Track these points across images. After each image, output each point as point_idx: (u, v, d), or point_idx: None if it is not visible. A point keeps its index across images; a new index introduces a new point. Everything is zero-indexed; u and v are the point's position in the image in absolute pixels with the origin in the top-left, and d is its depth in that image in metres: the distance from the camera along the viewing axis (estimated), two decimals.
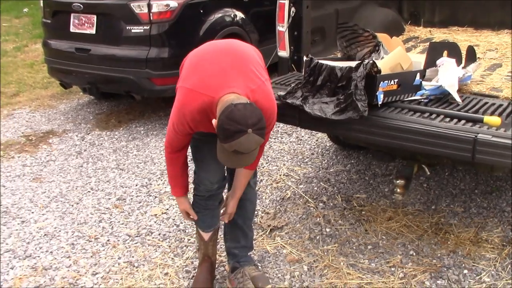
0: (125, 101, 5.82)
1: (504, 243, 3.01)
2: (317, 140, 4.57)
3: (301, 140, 4.60)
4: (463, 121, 2.37)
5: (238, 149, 1.99)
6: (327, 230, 3.23)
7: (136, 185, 3.91)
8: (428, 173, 2.95)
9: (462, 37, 4.03)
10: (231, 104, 1.99)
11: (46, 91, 6.41)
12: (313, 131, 4.69)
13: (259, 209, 3.43)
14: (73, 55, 4.98)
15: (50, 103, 5.98)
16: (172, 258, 3.00)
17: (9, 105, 5.90)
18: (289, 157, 4.27)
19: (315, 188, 3.74)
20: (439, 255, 2.94)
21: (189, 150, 2.51)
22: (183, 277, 2.83)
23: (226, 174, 2.62)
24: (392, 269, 2.85)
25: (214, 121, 2.05)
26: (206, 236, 2.72)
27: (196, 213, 2.63)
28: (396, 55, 2.64)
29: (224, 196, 2.69)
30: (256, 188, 2.88)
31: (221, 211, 2.67)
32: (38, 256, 3.06)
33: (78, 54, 4.95)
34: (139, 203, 3.65)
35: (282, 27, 3.18)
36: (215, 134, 2.09)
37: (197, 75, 2.17)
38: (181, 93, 2.19)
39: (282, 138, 4.64)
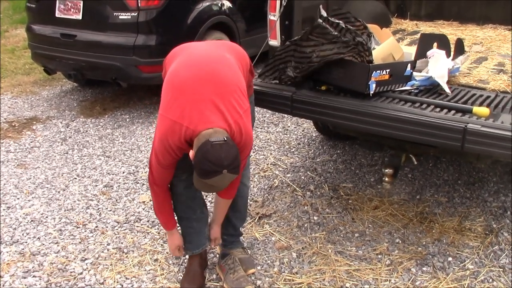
0: (109, 88, 5.77)
1: (487, 232, 3.09)
2: (303, 130, 4.60)
3: (287, 130, 4.63)
4: (453, 111, 2.43)
5: (214, 184, 2.09)
6: (315, 218, 3.27)
7: (123, 173, 3.90)
8: (415, 162, 3.01)
9: (448, 30, 4.09)
10: (207, 141, 2.03)
11: (28, 77, 6.32)
12: (300, 121, 4.73)
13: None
14: (58, 41, 4.92)
15: (32, 89, 5.89)
16: (162, 245, 3.01)
17: None
18: (276, 147, 4.30)
19: (302, 177, 3.78)
20: (424, 243, 3.01)
21: None
22: (173, 263, 2.84)
23: None
24: (379, 256, 2.90)
25: (191, 153, 2.11)
26: (195, 257, 2.72)
27: (182, 233, 2.67)
28: (388, 45, 2.68)
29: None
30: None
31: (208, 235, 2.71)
32: (26, 242, 3.04)
33: (63, 40, 4.88)
34: (127, 190, 3.64)
35: (273, 16, 3.19)
36: None
37: (177, 106, 2.15)
38: (163, 124, 2.18)
39: (268, 128, 4.66)
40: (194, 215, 2.60)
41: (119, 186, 3.70)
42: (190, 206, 2.58)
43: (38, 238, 3.08)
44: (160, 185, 2.41)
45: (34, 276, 2.73)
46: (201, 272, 2.70)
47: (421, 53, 2.76)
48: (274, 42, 3.28)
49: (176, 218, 2.59)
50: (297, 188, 3.62)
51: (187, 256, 2.88)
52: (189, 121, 2.10)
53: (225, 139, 2.05)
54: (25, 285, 2.66)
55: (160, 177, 2.36)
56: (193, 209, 2.59)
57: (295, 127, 4.67)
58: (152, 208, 3.34)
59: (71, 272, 2.77)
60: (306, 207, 3.38)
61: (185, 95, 2.15)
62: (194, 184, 2.17)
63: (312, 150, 4.22)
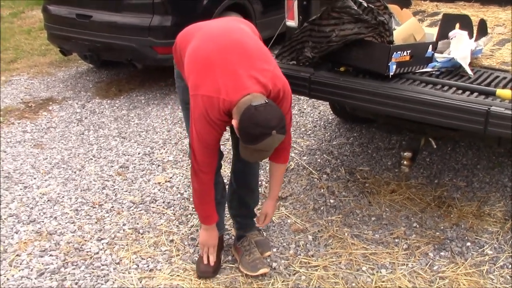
0: (125, 70, 5.76)
1: (507, 217, 3.04)
2: (319, 113, 4.55)
3: (303, 112, 4.59)
4: (475, 94, 2.37)
5: (263, 149, 2.05)
6: (331, 201, 3.24)
7: (139, 154, 3.90)
8: (435, 146, 2.96)
9: (469, 12, 3.98)
10: (250, 106, 2.00)
11: (44, 58, 6.33)
12: (316, 104, 4.68)
13: (263, 179, 3.43)
14: (74, 22, 4.90)
15: (48, 70, 5.90)
16: (177, 226, 3.01)
17: (7, 71, 5.82)
18: (292, 129, 4.22)
19: (319, 160, 3.75)
20: (442, 227, 2.97)
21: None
22: (188, 244, 2.84)
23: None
24: (396, 240, 2.87)
25: (234, 122, 2.07)
26: None
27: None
28: (410, 26, 2.62)
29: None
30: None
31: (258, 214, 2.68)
32: (42, 221, 3.06)
33: (79, 21, 4.87)
34: (142, 171, 3.64)
35: None
36: None
37: (209, 81, 2.12)
38: (199, 101, 2.13)
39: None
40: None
41: (134, 167, 3.70)
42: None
43: (55, 217, 3.09)
44: (206, 171, 2.30)
45: (50, 255, 2.75)
46: (219, 254, 2.70)
47: (443, 34, 2.69)
48: (292, 23, 3.23)
49: None
50: (313, 171, 3.59)
51: None
52: (226, 93, 2.07)
53: (266, 101, 2.03)
54: (42, 263, 2.68)
55: (206, 161, 2.27)
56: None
57: (311, 110, 4.62)
58: (168, 190, 3.36)
59: (87, 252, 2.78)
60: (322, 190, 3.35)
61: (214, 68, 2.12)
62: (241, 155, 2.14)
63: (329, 133, 4.18)
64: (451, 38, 2.67)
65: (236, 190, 2.69)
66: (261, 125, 1.98)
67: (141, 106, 4.82)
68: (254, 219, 2.78)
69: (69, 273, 2.62)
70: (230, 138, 2.63)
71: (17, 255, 2.75)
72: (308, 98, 4.63)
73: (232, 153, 2.69)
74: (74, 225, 3.01)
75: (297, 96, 4.49)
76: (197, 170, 2.30)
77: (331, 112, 4.40)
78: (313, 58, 2.72)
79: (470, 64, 2.66)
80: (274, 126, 1.99)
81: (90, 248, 2.81)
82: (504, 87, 2.44)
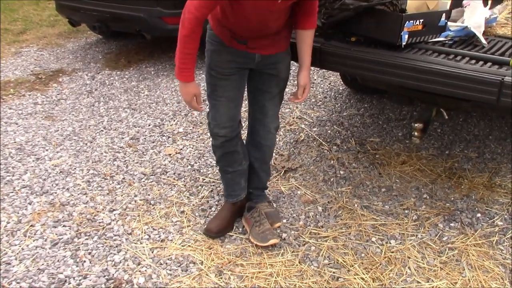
0: (134, 41, 5.73)
1: None
2: (329, 84, 4.52)
3: (313, 83, 4.55)
4: (489, 64, 2.32)
5: None
6: (341, 172, 3.24)
7: (149, 125, 3.91)
8: (446, 117, 2.92)
9: None
10: None
11: (53, 29, 6.31)
12: (326, 74, 4.64)
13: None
14: None
15: (57, 41, 5.89)
16: (188, 197, 3.03)
17: (16, 42, 5.82)
18: None
19: (329, 131, 3.73)
20: (452, 199, 2.97)
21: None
22: (199, 215, 2.87)
23: (239, 121, 2.56)
24: (406, 211, 2.88)
25: None
26: (227, 204, 2.77)
27: (223, 177, 2.73)
28: None
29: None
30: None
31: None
32: (55, 193, 3.09)
33: None
34: (153, 142, 3.66)
35: None
36: (233, 72, 2.32)
37: None
38: None
39: (294, 81, 4.58)
40: (231, 168, 2.64)
41: (145, 138, 3.72)
42: (228, 160, 2.62)
43: (67, 189, 3.13)
44: (193, 12, 2.11)
45: (64, 226, 2.79)
46: (230, 219, 2.73)
47: (457, 2, 2.63)
48: None
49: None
50: (323, 142, 3.58)
51: (213, 208, 2.91)
52: None
53: None
54: (56, 234, 2.72)
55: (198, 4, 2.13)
56: (230, 163, 2.62)
57: (321, 81, 4.58)
58: (178, 161, 3.37)
59: (99, 222, 2.82)
60: (332, 161, 3.35)
61: None
62: None
63: (339, 104, 4.15)
64: (465, 7, 2.61)
65: (251, 162, 2.71)
66: None
67: (150, 78, 4.81)
68: (266, 191, 2.80)
69: (82, 243, 2.66)
70: (248, 111, 2.63)
71: (31, 225, 2.80)
72: (318, 69, 4.58)
73: (247, 125, 2.69)
74: (86, 196, 3.05)
75: None
76: (182, 15, 2.15)
77: (342, 82, 4.37)
78: (323, 26, 2.67)
79: (484, 33, 2.61)
80: None
81: (102, 219, 2.85)
82: None
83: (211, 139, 2.63)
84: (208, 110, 2.55)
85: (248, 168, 2.73)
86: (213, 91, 2.47)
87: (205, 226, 2.72)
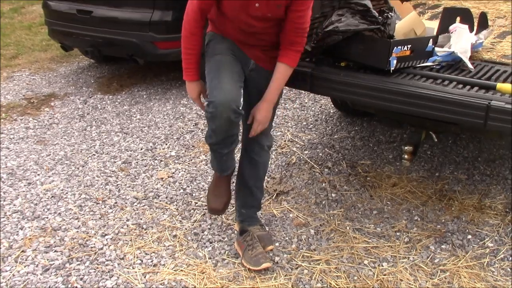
0: (126, 65, 5.77)
1: (507, 210, 3.06)
2: (320, 107, 4.57)
3: (304, 106, 4.60)
4: (475, 88, 2.38)
5: None
6: (333, 195, 3.26)
7: (141, 149, 3.92)
8: (436, 140, 2.97)
9: (470, 4, 3.98)
10: None
11: (46, 53, 6.34)
12: (317, 98, 4.69)
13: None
14: (74, 17, 4.90)
15: (50, 66, 5.91)
16: (180, 221, 3.03)
17: (8, 67, 5.83)
18: (293, 123, 4.27)
19: (320, 154, 3.76)
20: (443, 220, 2.99)
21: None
22: (192, 239, 2.87)
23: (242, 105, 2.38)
24: (398, 233, 2.89)
25: None
26: (222, 178, 2.63)
27: (216, 157, 2.53)
28: (410, 20, 2.62)
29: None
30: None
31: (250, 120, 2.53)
32: (47, 217, 3.08)
33: (79, 16, 4.87)
34: (145, 166, 3.67)
35: None
36: (234, 55, 2.34)
37: None
38: None
39: (285, 104, 4.64)
40: (227, 149, 2.46)
41: (137, 162, 3.72)
42: (226, 142, 2.43)
43: (59, 213, 3.12)
44: (190, 13, 2.34)
45: (55, 251, 2.78)
46: (228, 190, 2.64)
47: (444, 28, 2.69)
48: None
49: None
50: (315, 165, 3.60)
51: (205, 232, 2.92)
52: None
53: None
54: (47, 259, 2.71)
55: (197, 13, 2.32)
56: (228, 145, 2.44)
57: (312, 104, 4.63)
58: (170, 185, 3.38)
59: (91, 247, 2.81)
60: (324, 184, 3.37)
61: None
62: None
63: (330, 127, 4.19)
64: (452, 32, 2.67)
65: (244, 180, 2.72)
66: None
67: (142, 101, 4.83)
68: (258, 212, 2.81)
69: (74, 269, 2.64)
70: (242, 128, 2.62)
71: (22, 251, 2.78)
72: (309, 93, 4.63)
73: (241, 143, 2.71)
74: (78, 221, 3.04)
75: (299, 90, 4.51)
76: (185, 15, 2.37)
77: (332, 106, 4.41)
78: (313, 51, 2.72)
79: (471, 58, 2.67)
80: None
81: (94, 244, 2.84)
82: (505, 81, 2.45)
83: (211, 122, 2.35)
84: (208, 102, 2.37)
85: (243, 187, 2.75)
86: (211, 70, 2.40)
87: (208, 206, 2.61)
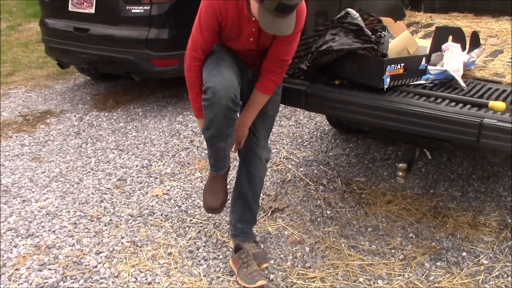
0: (122, 82, 5.79)
1: (502, 227, 3.07)
2: (315, 124, 4.59)
3: (299, 123, 4.62)
4: (468, 106, 2.40)
5: (284, 10, 2.09)
6: (328, 212, 3.26)
7: (136, 166, 3.92)
8: (429, 157, 2.98)
9: (463, 23, 4.04)
10: None
11: (42, 71, 6.36)
12: (312, 115, 4.72)
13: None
14: (71, 35, 4.94)
15: (46, 83, 5.93)
16: (175, 238, 3.03)
17: (4, 84, 5.85)
18: (289, 140, 4.29)
19: (315, 171, 3.77)
20: (438, 237, 2.99)
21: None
22: (187, 257, 2.86)
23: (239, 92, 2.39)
24: (392, 251, 2.89)
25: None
26: (219, 176, 2.62)
27: (214, 152, 2.52)
28: (403, 39, 2.65)
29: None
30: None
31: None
32: (41, 235, 3.07)
33: (76, 34, 4.90)
34: (140, 183, 3.66)
35: None
36: (232, 56, 2.39)
37: None
38: None
39: (281, 121, 4.66)
40: (224, 143, 2.45)
41: (132, 179, 3.72)
42: (224, 134, 2.42)
43: (53, 231, 3.11)
44: (198, 50, 2.38)
45: (49, 269, 2.76)
46: (225, 188, 2.64)
47: (436, 47, 2.73)
48: None
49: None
50: (310, 182, 3.61)
51: (200, 250, 2.91)
52: None
53: None
54: (41, 277, 2.69)
55: (197, 40, 2.37)
56: (226, 137, 2.44)
57: (307, 121, 4.65)
58: (165, 202, 3.38)
59: (86, 265, 2.80)
60: (319, 201, 3.38)
61: None
62: (261, 25, 2.17)
63: (325, 144, 4.21)
64: (444, 51, 2.71)
65: (242, 193, 2.73)
66: None
67: (138, 119, 4.85)
68: (253, 228, 2.81)
69: (68, 287, 2.63)
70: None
71: (16, 269, 2.76)
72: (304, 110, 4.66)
73: (239, 156, 2.72)
74: (72, 239, 3.03)
75: (294, 108, 4.53)
76: (189, 55, 2.41)
77: (327, 123, 4.44)
78: (308, 69, 2.75)
79: (463, 76, 2.70)
80: None
81: (88, 262, 2.82)
82: (497, 99, 2.48)
83: (208, 111, 2.33)
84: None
85: (240, 200, 2.75)
86: (216, 63, 2.39)
87: (205, 205, 2.61)
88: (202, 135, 2.53)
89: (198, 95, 2.44)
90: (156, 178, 3.74)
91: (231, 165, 2.73)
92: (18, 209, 3.35)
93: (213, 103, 2.27)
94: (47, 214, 3.29)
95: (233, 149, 2.63)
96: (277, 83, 2.52)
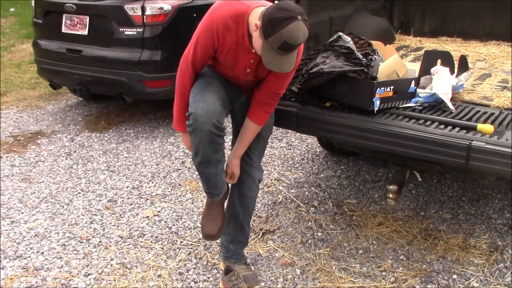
0: (114, 103, 5.80)
1: (492, 249, 3.07)
2: (307, 146, 4.60)
3: (291, 145, 4.64)
4: (457, 128, 2.43)
5: (288, 39, 2.07)
6: (319, 234, 3.26)
7: (127, 187, 3.90)
8: (420, 179, 3.00)
9: (451, 47, 4.11)
10: (272, 4, 2.14)
11: (34, 91, 6.36)
12: (304, 137, 4.74)
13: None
14: (64, 56, 4.96)
15: (37, 103, 5.93)
16: (165, 260, 3.00)
17: None
18: (280, 162, 4.30)
19: (306, 193, 3.77)
20: (428, 260, 2.99)
21: None
22: (176, 279, 2.83)
23: (226, 113, 2.45)
24: (383, 273, 2.88)
25: (257, 22, 2.15)
26: (215, 203, 2.59)
27: (206, 180, 2.50)
28: (393, 62, 2.69)
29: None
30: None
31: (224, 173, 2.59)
32: (29, 257, 3.03)
33: (69, 55, 4.92)
34: (131, 205, 3.65)
35: None
36: (223, 81, 2.41)
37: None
38: (215, 4, 2.29)
39: (272, 143, 4.67)
40: (214, 169, 2.44)
41: (123, 201, 3.70)
42: (215, 159, 2.41)
43: (42, 253, 3.07)
44: (190, 64, 2.38)
45: None
46: (222, 213, 2.61)
47: (425, 70, 2.77)
48: None
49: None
50: (301, 204, 3.61)
51: (190, 272, 2.88)
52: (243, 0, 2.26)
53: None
54: None
55: (192, 54, 2.36)
56: (217, 163, 2.43)
57: (299, 143, 4.67)
58: (156, 224, 3.36)
59: None
60: (310, 223, 3.37)
61: None
62: (263, 60, 2.18)
63: (316, 166, 4.22)
64: (433, 74, 2.75)
65: (234, 214, 2.72)
66: (287, 9, 2.08)
67: (130, 140, 4.84)
68: (244, 249, 2.79)
69: None
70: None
71: None
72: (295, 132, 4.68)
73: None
74: (61, 260, 3.00)
75: (285, 129, 4.55)
76: (182, 66, 2.41)
77: (319, 145, 4.46)
78: (299, 91, 2.77)
79: (452, 99, 2.74)
80: (299, 12, 2.08)
81: (77, 284, 2.79)
82: (485, 121, 2.51)
83: (193, 137, 2.33)
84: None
85: (233, 221, 2.74)
86: (203, 88, 2.38)
87: (202, 232, 2.58)
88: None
89: (180, 105, 2.45)
90: (147, 199, 3.72)
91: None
92: (6, 230, 3.31)
93: (196, 129, 2.28)
94: (36, 235, 3.26)
95: (226, 179, 2.62)
96: (269, 113, 2.54)
